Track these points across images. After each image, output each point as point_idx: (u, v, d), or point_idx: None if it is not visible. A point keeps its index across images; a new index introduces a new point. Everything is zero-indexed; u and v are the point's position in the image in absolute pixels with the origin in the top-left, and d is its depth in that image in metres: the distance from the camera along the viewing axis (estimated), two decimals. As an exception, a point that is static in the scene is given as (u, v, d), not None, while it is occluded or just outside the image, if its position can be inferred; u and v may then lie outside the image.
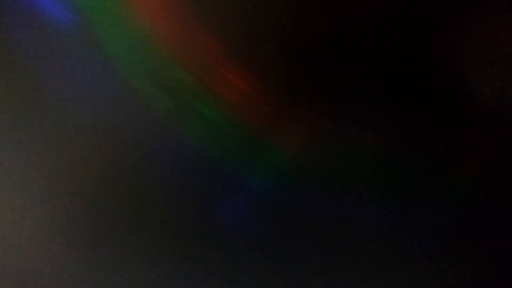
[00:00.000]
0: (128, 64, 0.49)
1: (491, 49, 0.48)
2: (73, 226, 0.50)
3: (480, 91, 0.48)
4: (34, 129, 0.50)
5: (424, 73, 0.48)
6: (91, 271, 0.50)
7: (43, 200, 0.50)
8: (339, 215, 0.49)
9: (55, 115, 0.50)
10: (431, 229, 0.49)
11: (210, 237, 0.50)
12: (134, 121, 0.49)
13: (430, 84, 0.48)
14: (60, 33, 0.49)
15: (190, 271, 0.50)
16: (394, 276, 0.49)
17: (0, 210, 0.51)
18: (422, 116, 0.49)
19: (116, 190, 0.50)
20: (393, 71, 0.48)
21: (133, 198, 0.50)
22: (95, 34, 0.49)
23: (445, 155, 0.49)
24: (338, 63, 0.48)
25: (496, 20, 0.48)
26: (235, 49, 0.49)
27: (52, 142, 0.50)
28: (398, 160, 0.49)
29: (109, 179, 0.50)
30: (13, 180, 0.50)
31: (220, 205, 0.50)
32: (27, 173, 0.50)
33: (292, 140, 0.49)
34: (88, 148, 0.50)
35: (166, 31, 0.49)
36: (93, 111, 0.50)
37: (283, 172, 0.49)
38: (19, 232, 0.51)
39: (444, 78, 0.48)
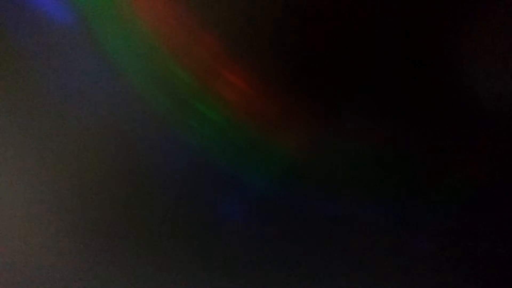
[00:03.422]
0: (128, 64, 0.49)
1: (491, 49, 0.48)
2: (73, 225, 0.50)
3: (480, 91, 0.48)
4: (34, 129, 0.50)
5: (424, 73, 0.48)
6: (91, 270, 0.50)
7: (43, 200, 0.50)
8: (339, 215, 0.49)
9: (55, 115, 0.50)
10: (431, 229, 0.49)
11: (210, 237, 0.50)
12: (134, 121, 0.49)
13: (430, 84, 0.48)
14: (60, 33, 0.49)
15: (190, 270, 0.50)
16: (394, 276, 0.49)
17: (1, 210, 0.51)
18: (422, 116, 0.49)
19: (116, 189, 0.50)
20: (393, 72, 0.48)
21: (133, 198, 0.50)
22: (95, 34, 0.49)
23: (445, 155, 0.49)
24: (338, 64, 0.48)
25: (496, 20, 0.48)
26: (235, 49, 0.49)
27: (52, 142, 0.50)
28: (398, 160, 0.49)
29: (109, 178, 0.50)
30: (13, 180, 0.50)
31: (220, 205, 0.50)
32: (27, 173, 0.50)
33: (292, 140, 0.49)
34: (88, 147, 0.50)
35: (166, 31, 0.49)
36: (93, 111, 0.50)
37: (283, 172, 0.49)
38: (20, 231, 0.51)
39: (444, 78, 0.48)
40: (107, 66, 0.49)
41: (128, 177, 0.50)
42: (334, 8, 0.48)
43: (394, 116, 0.49)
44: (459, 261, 0.49)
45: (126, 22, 0.49)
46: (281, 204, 0.49)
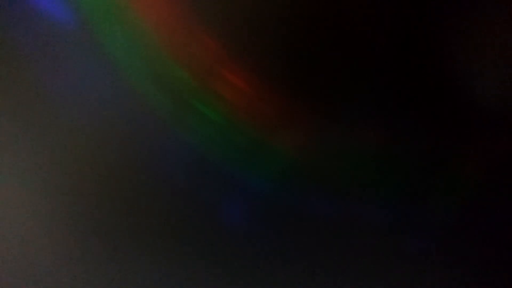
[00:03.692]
0: (128, 64, 0.49)
1: (491, 49, 0.48)
2: (73, 227, 0.50)
3: (480, 91, 0.48)
4: (34, 129, 0.50)
5: (424, 73, 0.48)
6: (91, 271, 0.50)
7: (43, 200, 0.50)
8: (339, 215, 0.49)
9: (55, 115, 0.50)
10: (431, 229, 0.49)
11: (211, 237, 0.50)
12: (134, 121, 0.49)
13: (430, 84, 0.48)
14: (60, 33, 0.49)
15: (191, 271, 0.50)
16: (394, 276, 0.49)
17: (0, 210, 0.51)
18: (422, 116, 0.49)
19: (116, 190, 0.50)
20: (393, 71, 0.48)
21: (133, 198, 0.50)
22: (95, 34, 0.49)
23: (444, 155, 0.49)
24: (338, 64, 0.48)
25: (496, 20, 0.48)
26: (235, 49, 0.49)
27: (52, 142, 0.50)
28: (398, 160, 0.49)
29: (109, 179, 0.50)
30: (13, 180, 0.50)
31: (221, 206, 0.50)
32: (26, 173, 0.50)
33: (293, 140, 0.49)
34: (88, 148, 0.50)
35: (166, 31, 0.49)
36: (93, 111, 0.50)
37: (283, 172, 0.49)
38: (19, 232, 0.51)
39: (444, 78, 0.48)
40: (107, 66, 0.49)
41: (128, 177, 0.50)
42: (334, 8, 0.48)
43: (394, 116, 0.49)
44: (459, 261, 0.49)
45: (126, 22, 0.49)
46: (281, 204, 0.49)
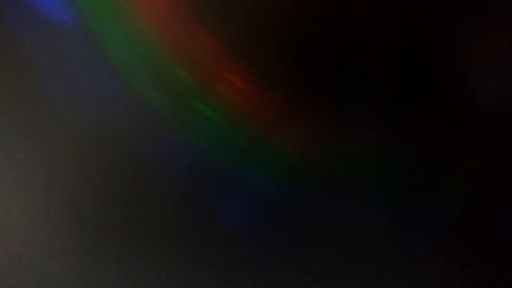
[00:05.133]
0: (128, 64, 0.49)
1: (491, 49, 0.48)
2: (73, 227, 0.50)
3: (480, 91, 0.48)
4: (34, 129, 0.50)
5: (425, 73, 0.48)
6: (91, 271, 0.50)
7: (43, 201, 0.50)
8: (339, 215, 0.49)
9: (55, 115, 0.50)
10: (431, 229, 0.49)
11: (211, 237, 0.50)
12: (134, 121, 0.49)
13: (430, 84, 0.48)
14: (60, 33, 0.49)
15: (191, 271, 0.50)
16: (394, 276, 0.49)
17: (1, 210, 0.51)
18: (422, 116, 0.49)
19: (116, 190, 0.50)
20: (393, 71, 0.48)
21: (133, 198, 0.50)
22: (95, 34, 0.49)
23: (445, 155, 0.49)
24: (338, 63, 0.48)
25: (496, 20, 0.48)
26: (235, 49, 0.49)
27: (52, 142, 0.50)
28: (398, 160, 0.49)
29: (109, 179, 0.50)
30: (13, 181, 0.50)
31: (221, 206, 0.50)
32: (26, 173, 0.50)
33: (293, 140, 0.49)
34: (88, 148, 0.50)
35: (166, 31, 0.49)
36: (93, 111, 0.50)
37: (283, 172, 0.49)
38: (19, 233, 0.51)
39: (444, 78, 0.48)
40: (107, 66, 0.49)
41: (128, 177, 0.50)
42: (335, 8, 0.48)
43: (394, 116, 0.49)
44: (459, 261, 0.49)
45: (126, 22, 0.49)
46: (281, 204, 0.49)
